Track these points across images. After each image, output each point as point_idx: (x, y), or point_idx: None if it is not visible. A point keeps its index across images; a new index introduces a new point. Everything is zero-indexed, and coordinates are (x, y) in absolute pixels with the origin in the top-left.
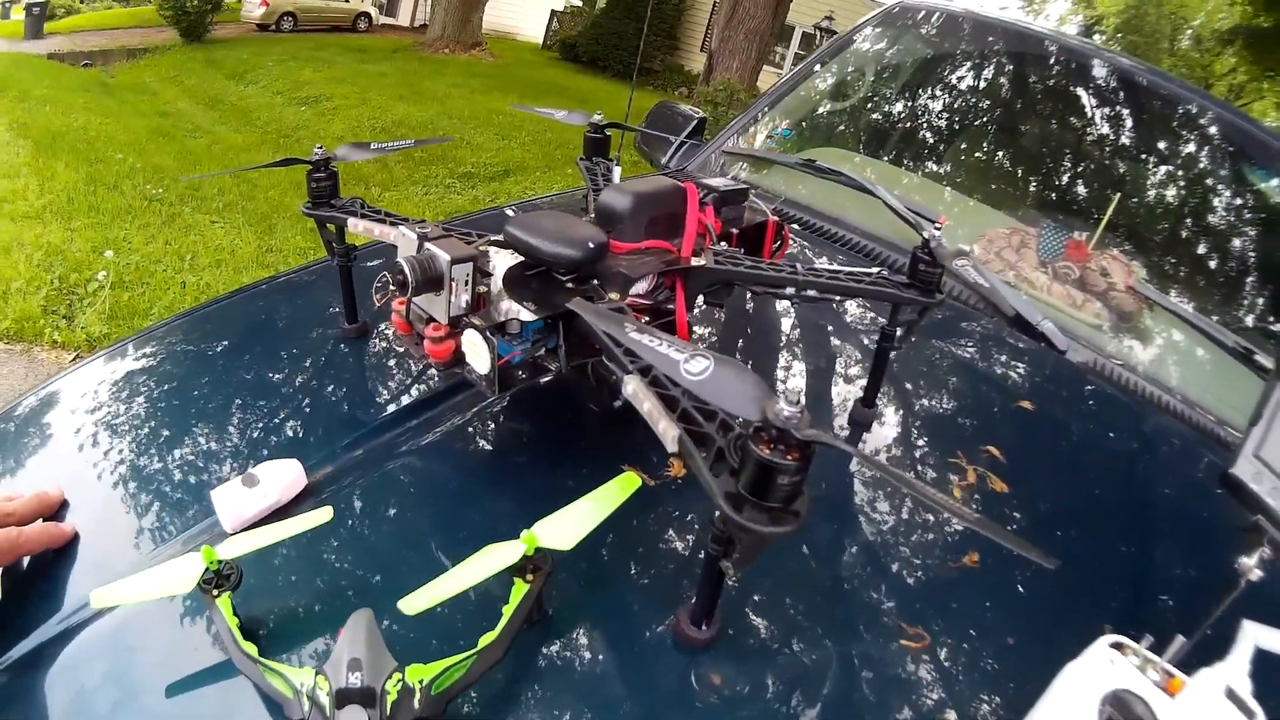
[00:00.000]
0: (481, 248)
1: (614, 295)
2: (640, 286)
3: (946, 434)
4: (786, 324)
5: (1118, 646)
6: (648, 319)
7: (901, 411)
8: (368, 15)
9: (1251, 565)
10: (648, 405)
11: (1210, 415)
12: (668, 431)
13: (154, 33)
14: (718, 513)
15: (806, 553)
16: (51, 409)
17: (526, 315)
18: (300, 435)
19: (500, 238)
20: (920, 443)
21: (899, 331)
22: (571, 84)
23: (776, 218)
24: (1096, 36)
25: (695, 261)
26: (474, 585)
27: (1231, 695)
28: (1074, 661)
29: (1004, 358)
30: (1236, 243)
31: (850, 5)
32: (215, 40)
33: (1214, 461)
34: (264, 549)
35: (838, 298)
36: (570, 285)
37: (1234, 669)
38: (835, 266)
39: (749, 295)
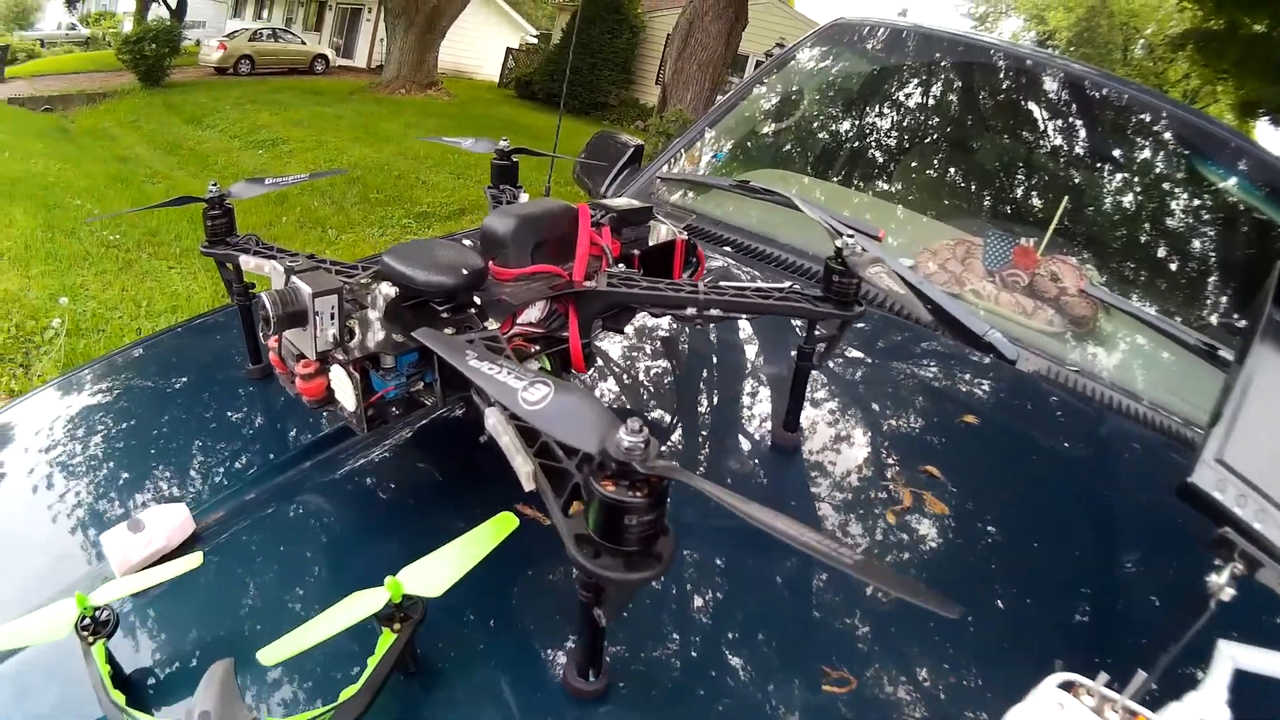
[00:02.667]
0: (363, 280)
1: (491, 324)
2: (533, 314)
3: (880, 455)
4: (702, 349)
5: (1068, 686)
6: (538, 348)
7: (830, 434)
8: (324, 57)
9: (1222, 584)
10: (506, 439)
11: (1175, 417)
12: (522, 468)
13: (113, 77)
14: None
15: (714, 586)
16: None
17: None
18: (194, 479)
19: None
20: (849, 466)
21: (818, 349)
22: (527, 120)
23: (685, 236)
24: (1050, 52)
25: (586, 285)
26: (336, 635)
27: None
28: (1017, 707)
29: (948, 372)
30: (1190, 237)
31: (801, 31)
32: (174, 84)
33: (1180, 465)
34: (145, 595)
35: (745, 316)
36: (445, 315)
37: (1209, 698)
38: (743, 283)
39: (678, 324)
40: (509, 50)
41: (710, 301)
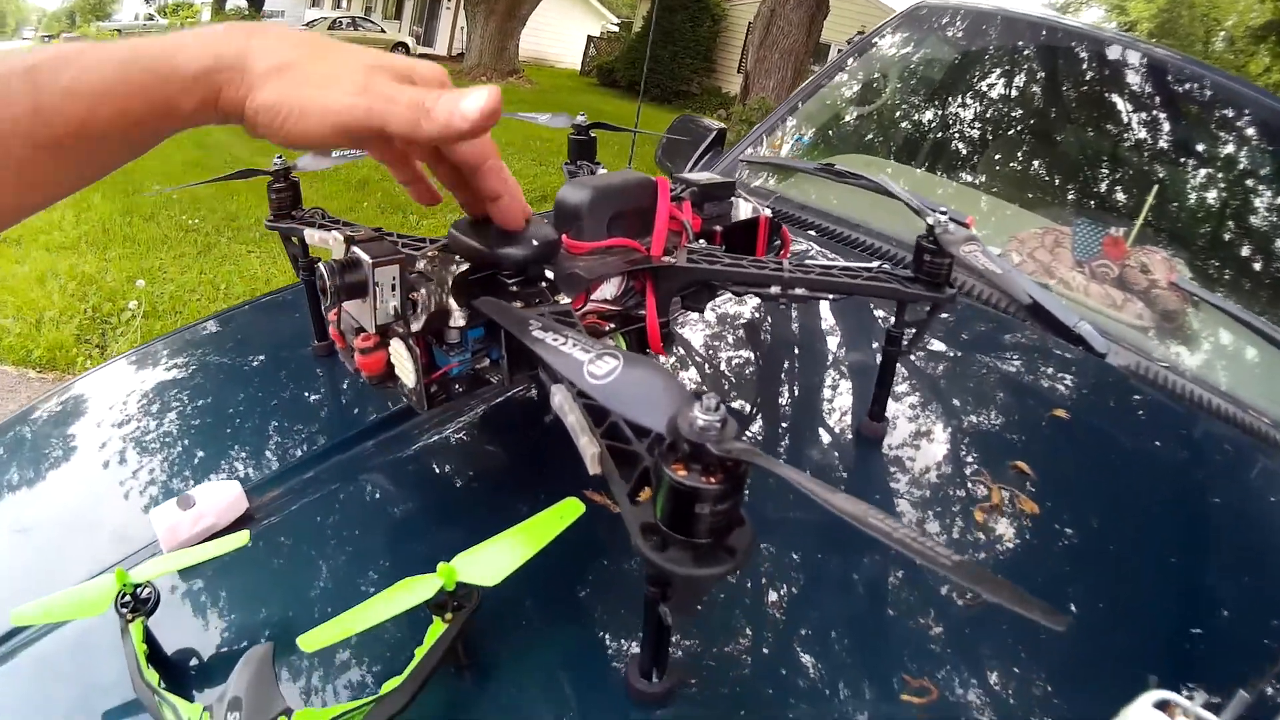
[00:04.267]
0: (431, 253)
1: (560, 298)
2: (608, 290)
3: (968, 448)
4: (786, 332)
5: (1163, 705)
6: (613, 325)
7: (916, 424)
8: (404, 45)
9: None
10: (572, 418)
11: (1266, 418)
12: (588, 449)
13: None
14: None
15: (787, 584)
16: (11, 435)
17: (458, 320)
18: (252, 456)
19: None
20: (937, 459)
21: (907, 333)
22: (608, 108)
23: (769, 213)
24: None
25: (665, 260)
26: (382, 622)
27: None
28: None
29: (1037, 364)
30: None
31: (883, 20)
32: None
33: (1274, 470)
34: (190, 574)
35: (832, 296)
36: (515, 289)
37: None
38: (829, 262)
39: (757, 303)
40: (590, 38)
41: (795, 280)
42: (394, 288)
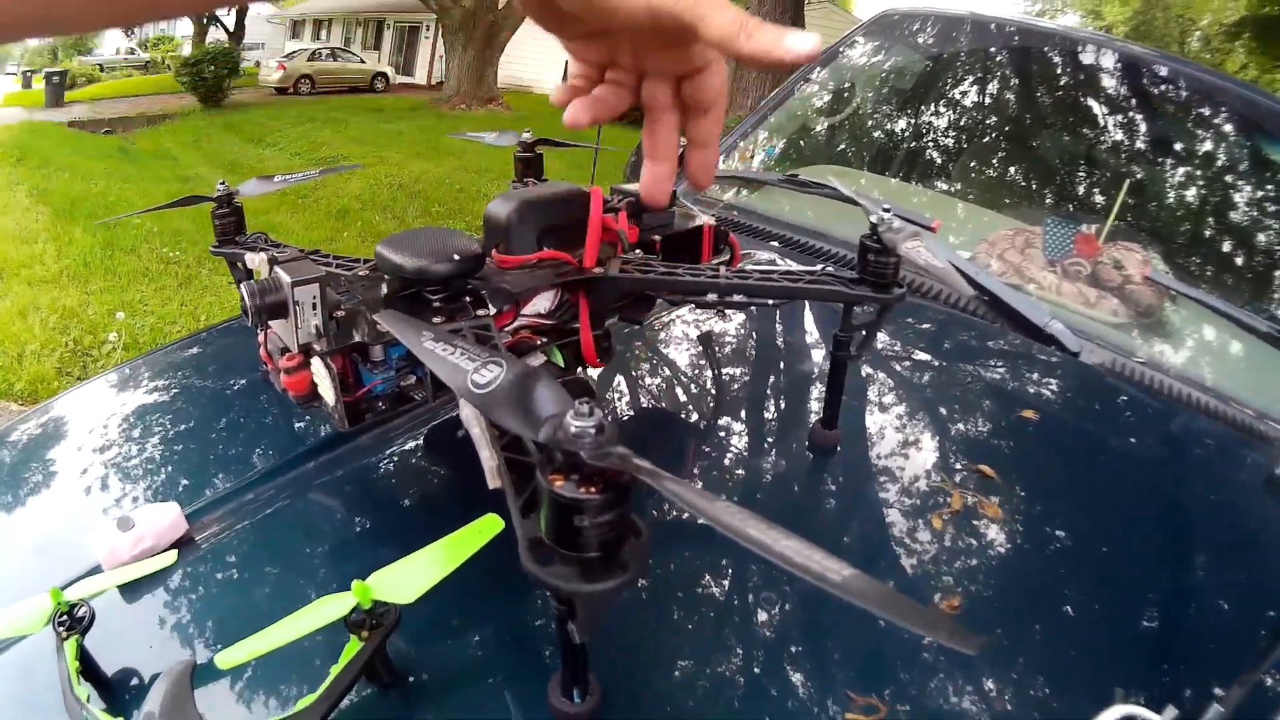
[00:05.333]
0: (361, 271)
1: (482, 312)
2: (542, 304)
3: (930, 454)
4: (735, 342)
5: None
6: (546, 339)
7: (873, 431)
8: (384, 75)
9: None
10: (476, 430)
11: (1249, 410)
12: (488, 462)
13: (174, 99)
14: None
15: (722, 596)
16: None
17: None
18: (196, 479)
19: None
20: (895, 465)
21: (856, 337)
22: (589, 134)
23: (713, 222)
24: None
25: (596, 271)
26: (296, 639)
27: None
28: None
29: (1005, 366)
30: (1261, 219)
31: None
32: (234, 105)
33: (1258, 462)
34: (129, 594)
35: (771, 301)
36: (438, 304)
37: None
38: (769, 267)
39: (709, 312)
40: (568, 63)
41: (732, 287)
42: (315, 307)
